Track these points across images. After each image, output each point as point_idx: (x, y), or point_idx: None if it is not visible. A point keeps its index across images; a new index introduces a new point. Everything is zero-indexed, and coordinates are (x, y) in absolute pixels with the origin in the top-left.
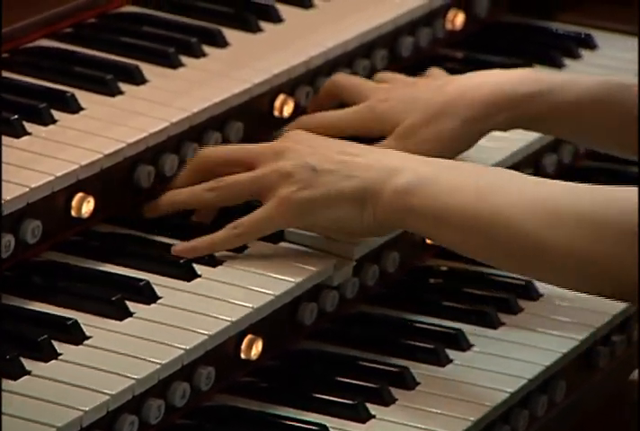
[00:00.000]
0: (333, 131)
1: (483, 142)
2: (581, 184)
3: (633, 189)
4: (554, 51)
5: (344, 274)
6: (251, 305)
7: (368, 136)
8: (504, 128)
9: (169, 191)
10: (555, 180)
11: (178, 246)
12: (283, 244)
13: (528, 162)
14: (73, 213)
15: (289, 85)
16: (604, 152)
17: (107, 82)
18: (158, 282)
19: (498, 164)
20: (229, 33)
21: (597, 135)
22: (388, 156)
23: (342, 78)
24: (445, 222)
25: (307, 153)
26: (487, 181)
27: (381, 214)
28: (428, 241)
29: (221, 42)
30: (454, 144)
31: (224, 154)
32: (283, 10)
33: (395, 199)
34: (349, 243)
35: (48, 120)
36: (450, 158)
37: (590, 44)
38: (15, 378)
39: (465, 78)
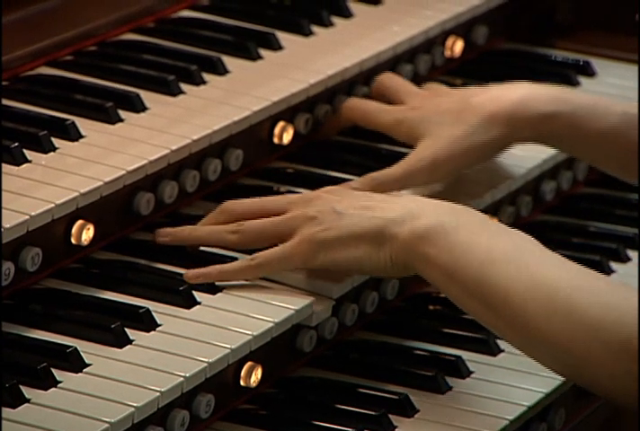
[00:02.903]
0: (371, 124)
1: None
2: (588, 273)
3: (634, 291)
4: (552, 78)
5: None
6: (250, 333)
7: (397, 139)
8: (529, 142)
9: (188, 226)
10: (565, 261)
11: (190, 272)
12: (281, 273)
13: (528, 189)
14: (73, 240)
15: (289, 113)
16: (613, 175)
17: (107, 109)
18: (158, 309)
19: (496, 192)
20: (229, 61)
21: (610, 161)
22: (414, 202)
23: (386, 78)
24: (451, 279)
25: (335, 201)
26: (499, 249)
27: (397, 255)
28: None
29: (221, 70)
30: (478, 156)
31: (254, 207)
32: (283, 38)
33: (410, 243)
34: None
35: (48, 148)
36: (469, 168)
37: (588, 71)
38: (15, 406)
39: (493, 91)
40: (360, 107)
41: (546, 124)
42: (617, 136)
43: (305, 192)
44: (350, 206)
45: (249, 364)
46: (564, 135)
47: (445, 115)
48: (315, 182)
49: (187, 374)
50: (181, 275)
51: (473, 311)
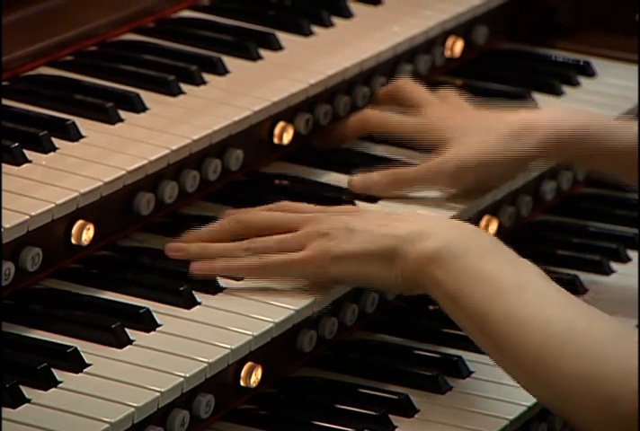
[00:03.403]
0: (392, 134)
1: None
2: (588, 314)
3: (632, 337)
4: (552, 79)
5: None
6: (250, 333)
7: (420, 147)
8: (560, 163)
9: (197, 243)
10: (567, 299)
11: (196, 263)
12: None
13: (528, 189)
14: (73, 240)
15: (289, 113)
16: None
17: (107, 109)
18: (158, 309)
19: (497, 192)
20: (229, 61)
21: (633, 174)
22: (428, 221)
23: (408, 83)
24: (456, 305)
25: (349, 220)
26: (504, 281)
27: (408, 273)
28: None
29: (221, 70)
30: (502, 169)
31: (269, 221)
32: (283, 38)
33: (420, 263)
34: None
35: (48, 148)
36: (489, 182)
37: (588, 72)
38: (15, 406)
39: (525, 112)
40: (377, 118)
41: (573, 144)
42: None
43: (318, 207)
44: (363, 224)
45: (249, 364)
46: (589, 155)
47: (477, 126)
48: (315, 185)
49: (187, 375)
50: (182, 273)
51: (472, 336)
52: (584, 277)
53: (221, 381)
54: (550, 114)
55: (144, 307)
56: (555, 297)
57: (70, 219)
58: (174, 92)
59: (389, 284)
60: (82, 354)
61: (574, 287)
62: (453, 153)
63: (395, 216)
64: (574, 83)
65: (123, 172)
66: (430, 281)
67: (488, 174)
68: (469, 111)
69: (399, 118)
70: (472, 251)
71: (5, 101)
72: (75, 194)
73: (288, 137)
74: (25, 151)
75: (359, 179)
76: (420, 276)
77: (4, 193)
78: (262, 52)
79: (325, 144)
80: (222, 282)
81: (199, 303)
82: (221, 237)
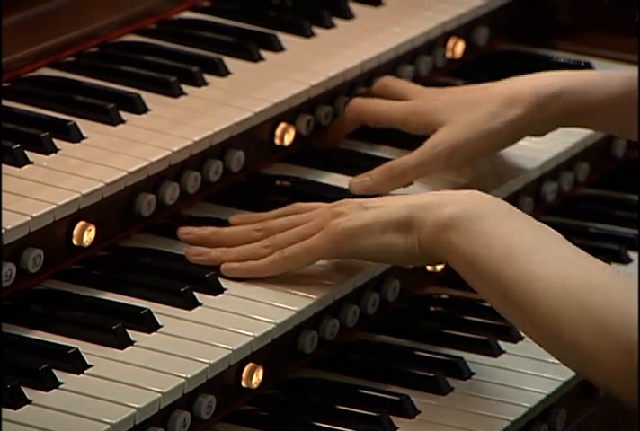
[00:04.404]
0: (383, 120)
1: None
2: (603, 270)
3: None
4: None
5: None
6: (251, 334)
7: (412, 132)
8: (551, 127)
9: (218, 248)
10: (583, 258)
11: (222, 266)
12: (283, 274)
13: (528, 190)
14: (74, 241)
15: (290, 114)
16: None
17: (108, 110)
18: (159, 310)
19: (497, 192)
20: (230, 62)
21: (626, 127)
22: (445, 192)
23: (389, 80)
24: (471, 268)
25: (364, 200)
26: (521, 243)
27: (424, 242)
28: (428, 269)
29: (222, 71)
30: (496, 141)
31: (288, 224)
32: (284, 39)
33: (436, 230)
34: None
35: (49, 149)
36: (486, 154)
37: None
38: (16, 407)
39: (507, 82)
40: (368, 105)
41: (555, 102)
42: (620, 100)
43: (330, 204)
44: (378, 202)
45: (250, 365)
46: (573, 110)
47: (463, 102)
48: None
49: (188, 375)
50: (183, 274)
51: (491, 301)
52: None
53: (222, 382)
54: (531, 80)
55: (145, 308)
56: (571, 255)
57: (71, 220)
58: (175, 93)
59: (407, 255)
60: (83, 355)
61: None
62: (445, 134)
63: (410, 195)
64: None
65: (124, 173)
66: (446, 247)
67: (484, 147)
68: (454, 91)
69: (389, 103)
70: (487, 216)
71: (6, 103)
72: (77, 195)
73: (289, 138)
74: (26, 152)
75: (357, 181)
76: (436, 243)
77: (5, 194)
78: (264, 53)
79: (324, 142)
80: (223, 283)
81: (200, 304)
82: (241, 241)
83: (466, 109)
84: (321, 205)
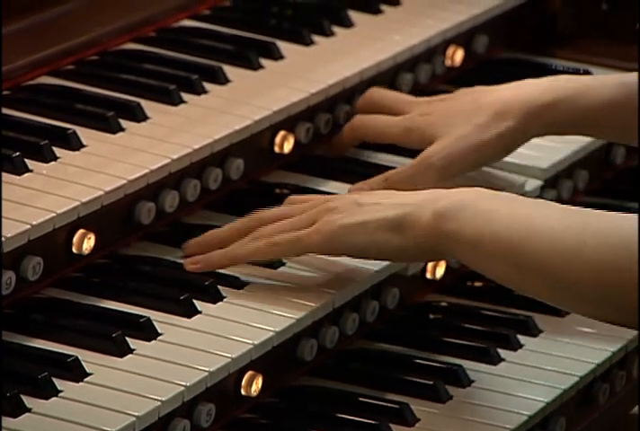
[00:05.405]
0: (378, 137)
1: None
2: (607, 215)
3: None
4: None
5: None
6: (251, 342)
7: (410, 147)
8: (542, 134)
9: (216, 251)
10: (582, 210)
11: (202, 262)
12: (282, 281)
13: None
14: (74, 249)
15: (290, 122)
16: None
17: (108, 119)
18: (159, 318)
19: None
20: (230, 70)
21: (620, 133)
22: (439, 190)
23: (375, 93)
24: (479, 248)
25: (358, 196)
26: (520, 210)
27: (422, 239)
28: (427, 277)
29: (222, 79)
30: (488, 152)
31: (281, 215)
32: (283, 47)
33: (433, 224)
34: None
35: (49, 157)
36: (480, 166)
37: None
38: (15, 415)
39: (498, 90)
40: (366, 124)
41: (548, 112)
42: (616, 104)
43: (325, 197)
44: (371, 199)
45: (250, 373)
46: (565, 119)
47: (456, 117)
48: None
49: (188, 384)
50: (182, 282)
51: (505, 276)
52: None
53: (222, 390)
54: (522, 90)
55: (144, 316)
56: (573, 209)
57: (71, 228)
58: (175, 101)
59: (399, 252)
60: (83, 363)
61: None
62: (438, 147)
63: (405, 192)
64: None
65: (124, 182)
66: (446, 238)
67: (478, 159)
68: (444, 100)
69: (384, 120)
70: (482, 199)
71: (6, 111)
72: (76, 203)
73: (288, 146)
74: (26, 160)
75: (355, 189)
76: (435, 238)
77: (4, 202)
78: (263, 61)
79: (328, 153)
80: (223, 291)
81: (199, 312)
82: (238, 238)
83: (458, 122)
84: (315, 197)
